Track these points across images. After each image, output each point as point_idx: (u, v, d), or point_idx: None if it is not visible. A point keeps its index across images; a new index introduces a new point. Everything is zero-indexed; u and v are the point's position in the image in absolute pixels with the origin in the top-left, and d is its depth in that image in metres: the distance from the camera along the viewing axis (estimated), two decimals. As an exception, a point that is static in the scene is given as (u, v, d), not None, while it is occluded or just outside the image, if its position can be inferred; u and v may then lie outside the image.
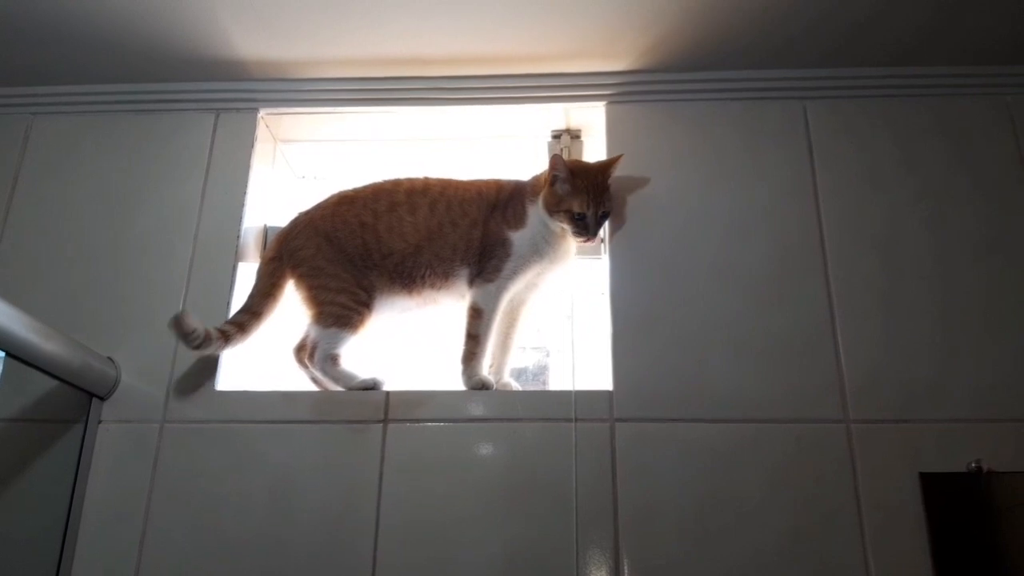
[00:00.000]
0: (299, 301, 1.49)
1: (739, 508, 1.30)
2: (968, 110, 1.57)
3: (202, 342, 1.37)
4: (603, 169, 1.46)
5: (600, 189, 1.44)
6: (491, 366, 1.50)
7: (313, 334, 1.46)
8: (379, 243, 1.49)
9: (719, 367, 1.40)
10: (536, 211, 1.48)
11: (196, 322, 1.36)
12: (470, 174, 1.57)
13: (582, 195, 1.42)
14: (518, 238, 1.48)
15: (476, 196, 1.53)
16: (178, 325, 1.35)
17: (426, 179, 1.56)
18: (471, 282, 1.48)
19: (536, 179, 1.52)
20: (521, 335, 1.56)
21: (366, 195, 1.54)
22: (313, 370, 1.45)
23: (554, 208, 1.45)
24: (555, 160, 1.45)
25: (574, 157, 1.68)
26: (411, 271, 1.48)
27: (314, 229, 1.52)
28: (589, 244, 1.48)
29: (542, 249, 1.48)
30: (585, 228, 1.43)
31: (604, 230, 1.52)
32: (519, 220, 1.49)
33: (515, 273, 1.47)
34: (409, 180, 1.55)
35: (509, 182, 1.56)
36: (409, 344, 1.62)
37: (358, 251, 1.49)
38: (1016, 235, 1.47)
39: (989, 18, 1.47)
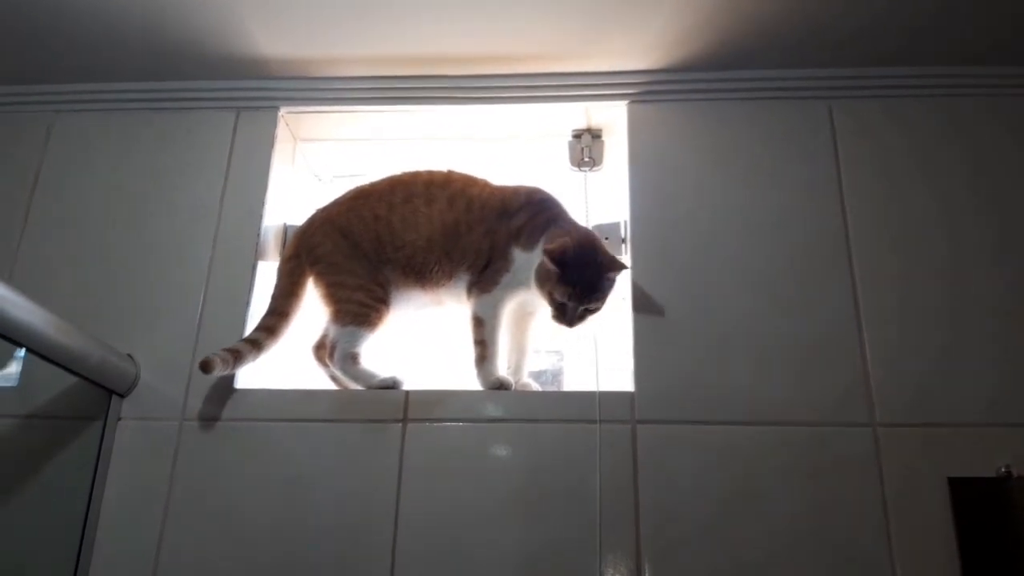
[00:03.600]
0: (317, 299, 1.48)
1: (762, 512, 1.28)
2: (995, 112, 1.55)
3: (233, 364, 1.36)
4: (604, 269, 1.37)
5: (591, 288, 1.35)
6: (509, 367, 1.48)
7: (332, 333, 1.45)
8: (392, 235, 1.48)
9: (742, 369, 1.38)
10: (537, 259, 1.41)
11: (217, 359, 1.33)
12: (491, 173, 1.56)
13: (568, 287, 1.34)
14: (521, 259, 1.44)
15: (499, 204, 1.49)
16: (205, 368, 1.32)
17: (450, 172, 1.53)
18: (469, 290, 1.46)
19: (562, 230, 1.42)
20: (536, 338, 1.54)
21: (382, 188, 1.53)
22: (333, 369, 1.44)
23: (540, 284, 1.39)
24: (557, 247, 1.34)
25: (594, 157, 1.67)
26: (422, 265, 1.47)
27: (331, 225, 1.51)
28: (565, 330, 1.40)
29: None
30: (562, 316, 1.37)
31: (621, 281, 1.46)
32: (530, 243, 1.44)
33: (510, 287, 1.44)
34: (429, 172, 1.53)
35: (538, 196, 1.50)
36: (430, 342, 1.61)
37: (372, 245, 1.48)
38: (1045, 237, 1.45)
39: (1016, 18, 1.44)
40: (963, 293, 1.41)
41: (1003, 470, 1.25)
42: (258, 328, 1.43)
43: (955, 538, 1.24)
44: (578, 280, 1.34)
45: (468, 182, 1.52)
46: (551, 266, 1.34)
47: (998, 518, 1.24)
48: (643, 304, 1.43)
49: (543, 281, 1.38)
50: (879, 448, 1.31)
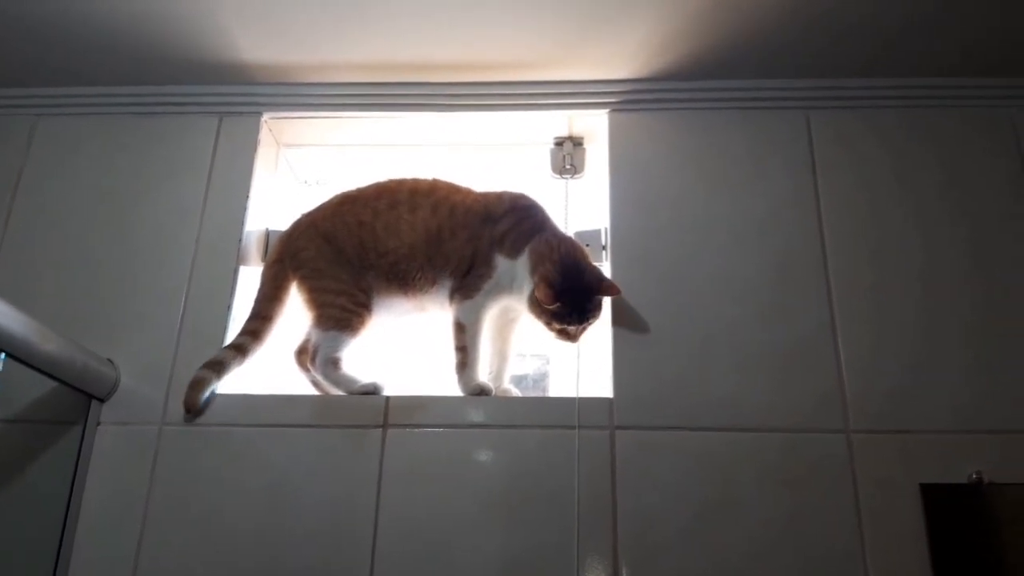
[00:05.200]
0: (300, 303, 1.48)
1: (738, 517, 1.29)
2: (971, 122, 1.57)
3: (217, 377, 1.38)
4: (592, 291, 1.39)
5: (585, 309, 1.38)
6: (490, 373, 1.49)
7: (314, 337, 1.45)
8: (376, 242, 1.48)
9: (720, 375, 1.39)
10: (526, 267, 1.43)
11: (196, 392, 1.36)
12: (473, 180, 1.57)
13: (566, 317, 1.37)
14: (504, 265, 1.45)
15: (482, 210, 1.50)
16: (189, 407, 1.37)
17: (435, 180, 1.54)
18: (451, 296, 1.47)
19: (546, 244, 1.43)
20: (519, 343, 1.55)
21: (368, 194, 1.54)
22: (315, 373, 1.45)
23: (536, 315, 1.41)
24: (544, 286, 1.35)
25: (576, 165, 1.68)
26: (405, 272, 1.47)
27: (315, 230, 1.52)
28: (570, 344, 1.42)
29: (520, 289, 1.44)
30: (566, 336, 1.40)
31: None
32: (514, 251, 1.45)
33: (493, 293, 1.45)
34: (415, 180, 1.54)
35: (522, 202, 1.51)
36: (412, 349, 1.61)
37: (355, 251, 1.49)
38: (1014, 249, 1.47)
39: (992, 30, 1.47)
40: (937, 302, 1.43)
41: (974, 477, 1.28)
42: (242, 333, 1.44)
43: (927, 543, 1.25)
44: (573, 307, 1.37)
45: (452, 189, 1.53)
46: (549, 306, 1.36)
47: (969, 524, 1.27)
48: (622, 311, 1.45)
49: (538, 313, 1.40)
50: (852, 454, 1.32)
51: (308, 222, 1.54)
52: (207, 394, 1.37)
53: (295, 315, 1.50)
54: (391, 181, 1.55)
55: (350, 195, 1.55)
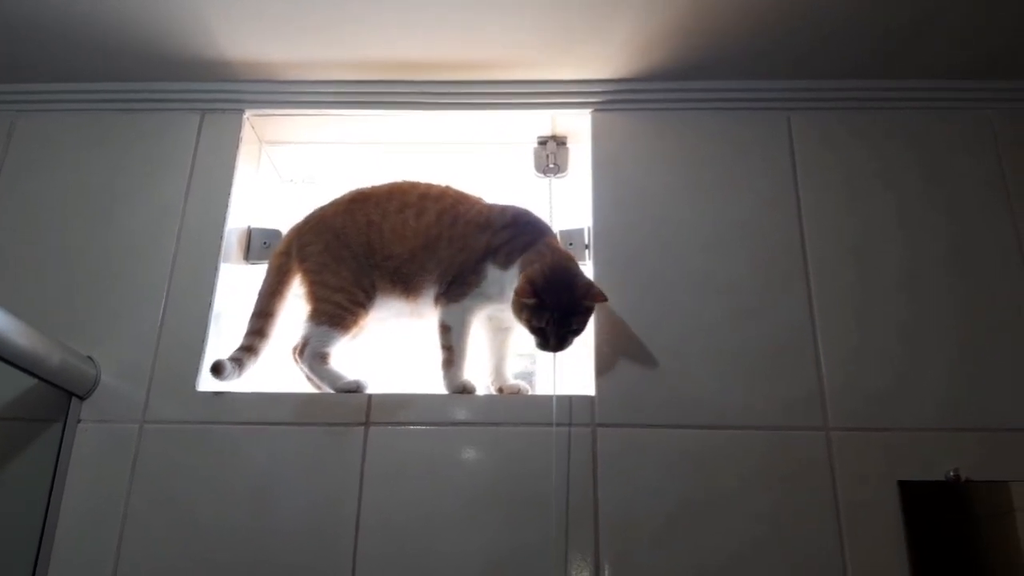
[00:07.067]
0: (301, 295, 1.49)
1: (719, 514, 1.30)
2: (950, 124, 1.59)
3: (237, 373, 1.40)
4: (581, 296, 1.34)
5: (568, 311, 1.33)
6: (490, 374, 1.49)
7: (306, 330, 1.46)
8: (382, 244, 1.49)
9: (701, 374, 1.40)
10: (515, 277, 1.40)
11: (227, 362, 1.39)
12: (456, 178, 1.57)
13: (546, 312, 1.33)
14: (494, 275, 1.44)
15: (484, 221, 1.49)
16: (216, 371, 1.37)
17: (446, 187, 1.54)
18: (436, 300, 1.47)
19: (537, 253, 1.41)
20: (515, 342, 1.54)
21: (380, 194, 1.54)
22: (301, 365, 1.45)
23: (517, 315, 1.37)
24: (524, 284, 1.33)
25: (559, 164, 1.68)
26: (407, 276, 1.48)
27: (325, 225, 1.52)
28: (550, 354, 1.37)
29: (507, 299, 1.42)
30: (545, 342, 1.35)
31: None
32: (507, 263, 1.44)
33: (479, 300, 1.45)
34: (427, 185, 1.54)
35: (524, 218, 1.50)
36: (403, 347, 1.61)
37: (363, 249, 1.49)
38: (992, 249, 1.49)
39: (972, 32, 1.48)
40: (917, 302, 1.45)
41: (952, 474, 1.29)
42: (248, 333, 1.46)
43: (905, 539, 1.26)
44: (555, 306, 1.33)
45: (460, 199, 1.53)
46: (525, 300, 1.33)
47: (947, 521, 1.28)
48: (604, 309, 1.45)
49: (519, 312, 1.36)
50: (832, 451, 1.33)
51: (319, 217, 1.55)
52: (229, 368, 1.38)
53: (295, 314, 1.50)
54: (404, 183, 1.55)
55: (364, 192, 1.55)
